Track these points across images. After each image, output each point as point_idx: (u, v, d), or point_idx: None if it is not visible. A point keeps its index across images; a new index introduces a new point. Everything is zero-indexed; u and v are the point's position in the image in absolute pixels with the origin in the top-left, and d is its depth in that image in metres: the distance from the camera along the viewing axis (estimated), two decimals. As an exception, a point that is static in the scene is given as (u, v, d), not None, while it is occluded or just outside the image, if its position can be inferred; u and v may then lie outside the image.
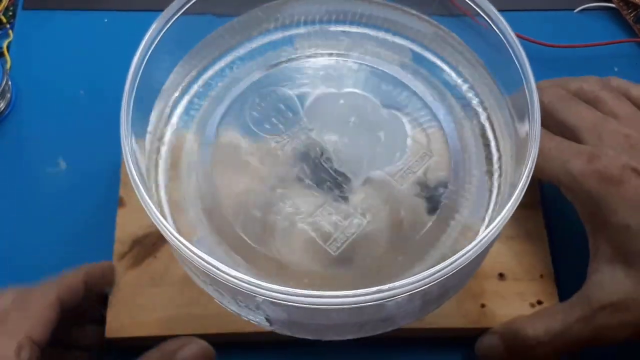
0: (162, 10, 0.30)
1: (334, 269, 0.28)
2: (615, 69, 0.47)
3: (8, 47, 0.46)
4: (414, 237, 0.29)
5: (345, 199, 0.29)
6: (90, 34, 0.47)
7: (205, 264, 0.24)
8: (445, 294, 0.29)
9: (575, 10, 0.49)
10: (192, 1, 0.30)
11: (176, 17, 0.29)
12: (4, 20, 0.47)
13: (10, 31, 0.47)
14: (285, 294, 0.23)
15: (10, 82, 0.44)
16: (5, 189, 0.42)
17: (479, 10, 0.29)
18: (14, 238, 0.40)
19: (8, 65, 0.46)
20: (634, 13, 0.48)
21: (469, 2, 0.30)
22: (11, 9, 0.48)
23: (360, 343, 0.29)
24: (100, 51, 0.46)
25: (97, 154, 0.42)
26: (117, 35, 0.46)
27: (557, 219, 0.41)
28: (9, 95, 0.44)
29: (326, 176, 0.30)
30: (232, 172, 0.30)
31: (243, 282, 0.23)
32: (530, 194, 0.26)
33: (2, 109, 0.44)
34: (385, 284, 0.23)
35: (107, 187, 0.41)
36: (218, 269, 0.24)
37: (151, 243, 0.36)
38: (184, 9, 0.29)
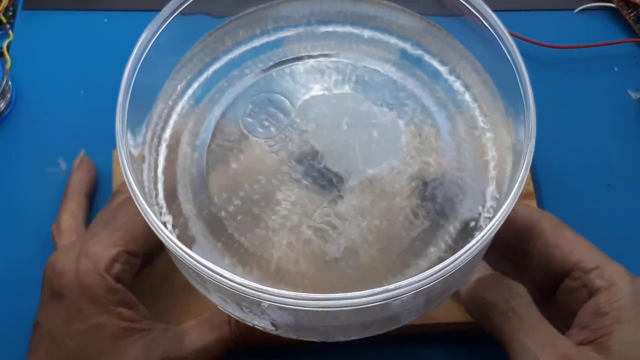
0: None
1: (332, 271, 0.28)
2: (615, 69, 0.47)
3: (8, 47, 0.47)
4: (412, 234, 0.28)
5: (341, 199, 0.29)
6: (90, 34, 0.48)
7: (210, 272, 0.24)
8: (449, 290, 0.29)
9: (575, 10, 0.49)
10: (187, 3, 0.30)
11: (169, 20, 0.29)
12: (4, 20, 0.47)
13: (10, 31, 0.47)
14: (293, 298, 0.23)
15: (10, 82, 0.44)
16: (6, 189, 0.42)
17: (468, 6, 0.29)
18: (14, 237, 0.41)
19: (8, 65, 0.46)
20: (634, 13, 0.48)
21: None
22: (11, 9, 0.48)
23: (364, 341, 0.29)
24: (100, 51, 0.46)
25: (97, 154, 0.42)
26: (117, 35, 0.46)
27: (551, 207, 0.41)
28: (9, 95, 0.44)
29: (322, 177, 0.30)
30: (227, 177, 0.30)
31: (250, 288, 0.23)
32: (524, 183, 0.26)
33: (2, 109, 0.44)
34: (385, 283, 0.23)
35: (107, 187, 0.41)
36: (223, 276, 0.23)
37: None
38: (177, 13, 0.29)
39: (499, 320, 0.31)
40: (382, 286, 0.23)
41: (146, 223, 0.25)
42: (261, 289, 0.23)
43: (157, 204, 0.29)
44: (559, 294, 0.33)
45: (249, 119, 0.31)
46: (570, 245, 0.32)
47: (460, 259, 0.23)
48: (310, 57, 0.33)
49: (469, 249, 0.24)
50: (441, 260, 0.24)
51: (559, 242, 0.32)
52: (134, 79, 0.28)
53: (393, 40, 0.33)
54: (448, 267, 0.23)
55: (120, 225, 0.33)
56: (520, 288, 0.31)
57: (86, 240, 0.33)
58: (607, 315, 0.30)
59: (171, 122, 0.31)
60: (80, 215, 0.39)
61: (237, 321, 0.33)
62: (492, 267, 0.35)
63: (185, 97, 0.32)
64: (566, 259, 0.32)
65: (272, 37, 0.33)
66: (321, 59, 0.33)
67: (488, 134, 0.31)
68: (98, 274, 0.32)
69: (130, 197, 0.26)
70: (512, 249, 0.34)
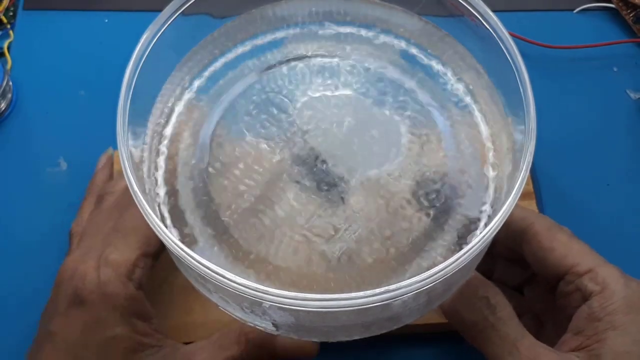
0: (162, 11, 0.30)
1: (333, 271, 0.28)
2: (615, 69, 0.47)
3: (9, 48, 0.47)
4: (412, 234, 0.29)
5: (342, 200, 0.29)
6: (90, 34, 0.48)
7: (212, 272, 0.24)
8: (450, 289, 0.29)
9: (575, 11, 0.49)
10: (188, 4, 0.30)
11: (170, 21, 0.29)
12: (5, 20, 0.47)
13: (10, 31, 0.47)
14: (294, 298, 0.23)
15: (11, 82, 0.44)
16: (6, 189, 0.42)
17: (468, 7, 0.29)
18: (14, 237, 0.41)
19: (9, 65, 0.46)
20: (633, 13, 0.48)
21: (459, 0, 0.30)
22: (11, 9, 0.48)
23: (365, 341, 0.29)
24: (100, 51, 0.46)
25: (97, 154, 0.42)
26: (117, 35, 0.46)
27: (551, 207, 0.41)
28: (9, 95, 0.44)
29: (322, 178, 0.30)
30: (228, 177, 0.30)
31: (251, 289, 0.23)
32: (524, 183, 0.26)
33: (3, 109, 0.44)
34: (386, 283, 0.23)
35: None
36: (225, 277, 0.23)
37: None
38: (178, 13, 0.29)
39: (480, 339, 0.31)
40: (383, 286, 0.23)
41: None
42: (262, 289, 0.23)
43: (158, 204, 0.29)
44: (556, 297, 0.33)
45: (250, 120, 0.31)
46: (565, 248, 0.32)
47: (461, 259, 0.23)
48: (310, 57, 0.33)
49: (470, 249, 0.24)
50: (442, 260, 0.24)
51: (554, 245, 0.32)
52: (135, 79, 0.28)
53: (393, 41, 0.33)
54: (449, 268, 0.23)
55: (131, 230, 0.33)
56: (499, 297, 0.31)
57: (101, 249, 0.33)
58: (601, 320, 0.30)
59: (172, 123, 0.31)
60: None
61: (246, 341, 0.33)
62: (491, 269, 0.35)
63: (186, 98, 0.32)
64: (561, 262, 0.32)
65: (272, 37, 0.33)
66: (321, 59, 0.33)
67: (488, 135, 0.31)
68: (120, 281, 0.32)
69: (129, 199, 0.26)
70: (509, 251, 0.34)
